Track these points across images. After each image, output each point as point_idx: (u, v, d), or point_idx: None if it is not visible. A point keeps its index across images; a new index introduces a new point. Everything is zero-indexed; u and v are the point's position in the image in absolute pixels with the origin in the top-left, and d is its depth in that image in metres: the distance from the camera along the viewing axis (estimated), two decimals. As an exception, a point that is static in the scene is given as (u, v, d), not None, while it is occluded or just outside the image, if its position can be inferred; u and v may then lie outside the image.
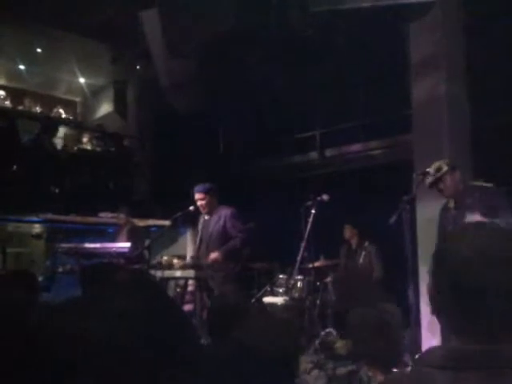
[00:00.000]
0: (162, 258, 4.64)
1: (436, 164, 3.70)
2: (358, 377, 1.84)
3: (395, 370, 1.95)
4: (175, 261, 4.51)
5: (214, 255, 4.45)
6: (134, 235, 6.03)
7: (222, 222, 4.55)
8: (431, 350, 0.96)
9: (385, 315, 2.01)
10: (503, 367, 0.86)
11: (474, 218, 3.42)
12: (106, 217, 7.51)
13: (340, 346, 1.99)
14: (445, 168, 3.59)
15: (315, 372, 1.86)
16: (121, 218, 6.39)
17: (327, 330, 4.50)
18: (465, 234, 1.03)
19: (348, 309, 2.20)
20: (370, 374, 1.87)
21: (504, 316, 0.91)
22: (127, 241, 5.72)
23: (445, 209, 3.79)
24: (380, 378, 1.85)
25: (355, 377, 1.85)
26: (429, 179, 3.62)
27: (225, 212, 4.58)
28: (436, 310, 1.00)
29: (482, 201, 3.45)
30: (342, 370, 1.86)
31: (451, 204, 3.71)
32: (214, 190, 4.68)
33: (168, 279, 4.73)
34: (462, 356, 0.89)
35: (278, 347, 1.49)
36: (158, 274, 4.36)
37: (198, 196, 4.61)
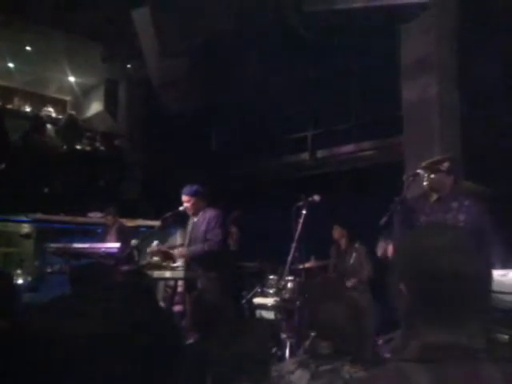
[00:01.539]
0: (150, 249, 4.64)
1: (442, 157, 3.69)
2: (341, 374, 1.88)
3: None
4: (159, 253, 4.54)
5: (179, 250, 4.55)
6: (123, 235, 5.98)
7: (205, 224, 4.56)
8: (407, 345, 0.96)
9: (350, 302, 2.07)
10: (477, 359, 0.88)
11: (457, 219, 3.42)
12: (95, 217, 7.46)
13: (324, 345, 2.01)
14: (443, 166, 3.54)
15: (298, 371, 1.87)
16: (108, 218, 6.34)
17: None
18: (429, 232, 1.09)
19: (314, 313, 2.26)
20: (352, 370, 1.91)
21: (470, 310, 0.94)
22: (116, 241, 5.68)
23: (421, 199, 3.72)
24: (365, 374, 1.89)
25: (338, 374, 1.88)
26: (425, 163, 3.59)
27: (209, 214, 4.59)
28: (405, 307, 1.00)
29: (469, 208, 3.44)
30: (324, 368, 1.88)
31: (433, 197, 3.65)
32: (200, 192, 4.67)
33: (157, 280, 4.70)
34: (437, 349, 0.90)
35: (254, 348, 1.52)
36: (148, 274, 4.32)
37: (184, 198, 4.63)
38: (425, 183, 3.57)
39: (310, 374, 1.89)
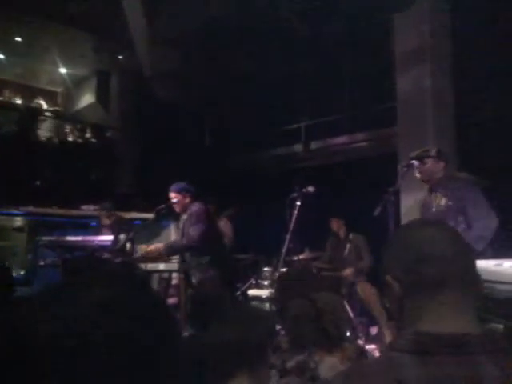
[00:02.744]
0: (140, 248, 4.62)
1: (427, 147, 3.73)
2: (307, 365, 1.88)
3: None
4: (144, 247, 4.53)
5: (154, 245, 4.53)
6: (119, 227, 5.95)
7: (189, 220, 4.55)
8: (400, 335, 0.95)
9: (318, 304, 2.09)
10: (472, 353, 0.86)
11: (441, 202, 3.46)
12: (88, 209, 7.41)
13: (282, 339, 2.05)
14: (432, 152, 3.59)
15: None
16: (104, 214, 6.28)
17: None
18: (414, 225, 1.10)
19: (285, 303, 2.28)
20: (317, 359, 1.91)
21: (464, 298, 0.94)
22: (113, 234, 5.63)
23: (423, 197, 3.80)
24: (329, 359, 1.90)
25: (305, 366, 1.89)
26: (414, 153, 3.63)
27: (192, 209, 4.57)
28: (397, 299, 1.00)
29: (455, 190, 3.46)
30: (290, 363, 1.90)
31: (426, 191, 3.72)
32: (186, 189, 4.66)
33: (152, 272, 4.69)
34: (432, 339, 0.89)
35: (253, 336, 1.52)
36: (141, 266, 4.31)
37: (170, 194, 4.63)
38: (417, 174, 3.61)
39: (279, 373, 1.90)
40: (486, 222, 3.26)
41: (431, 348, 0.87)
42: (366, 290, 5.15)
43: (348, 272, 5.36)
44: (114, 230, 5.89)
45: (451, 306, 0.93)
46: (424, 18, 5.66)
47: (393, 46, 6.01)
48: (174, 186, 4.67)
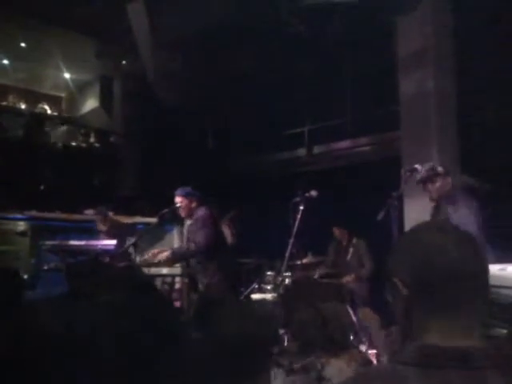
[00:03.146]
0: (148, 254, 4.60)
1: (430, 164, 3.76)
2: (314, 366, 1.92)
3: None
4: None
5: (159, 250, 4.50)
6: (116, 231, 5.94)
7: (195, 225, 4.53)
8: (406, 347, 0.93)
9: (323, 312, 2.13)
10: (476, 367, 0.85)
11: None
12: (91, 214, 7.42)
13: (291, 343, 2.10)
14: (439, 169, 3.63)
15: (272, 370, 1.91)
16: (98, 219, 6.26)
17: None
18: (429, 229, 1.04)
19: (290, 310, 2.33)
20: (323, 360, 1.94)
21: (472, 311, 0.92)
22: (111, 239, 5.63)
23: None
24: (336, 362, 1.93)
25: (311, 366, 1.92)
26: (420, 175, 3.65)
27: (198, 214, 4.54)
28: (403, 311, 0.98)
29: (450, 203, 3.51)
30: (297, 364, 1.94)
31: (433, 209, 3.79)
32: (192, 194, 4.63)
33: (155, 276, 4.68)
34: (438, 352, 0.88)
35: (256, 338, 1.52)
36: (145, 271, 4.30)
37: (176, 199, 4.60)
38: (428, 196, 3.67)
39: (285, 372, 1.92)
40: (464, 212, 3.31)
41: (438, 362, 0.86)
42: (367, 317, 5.10)
43: (348, 279, 5.35)
44: (111, 235, 5.86)
45: (456, 314, 0.92)
46: (426, 18, 5.65)
47: (395, 48, 6.00)
48: (179, 190, 4.63)
